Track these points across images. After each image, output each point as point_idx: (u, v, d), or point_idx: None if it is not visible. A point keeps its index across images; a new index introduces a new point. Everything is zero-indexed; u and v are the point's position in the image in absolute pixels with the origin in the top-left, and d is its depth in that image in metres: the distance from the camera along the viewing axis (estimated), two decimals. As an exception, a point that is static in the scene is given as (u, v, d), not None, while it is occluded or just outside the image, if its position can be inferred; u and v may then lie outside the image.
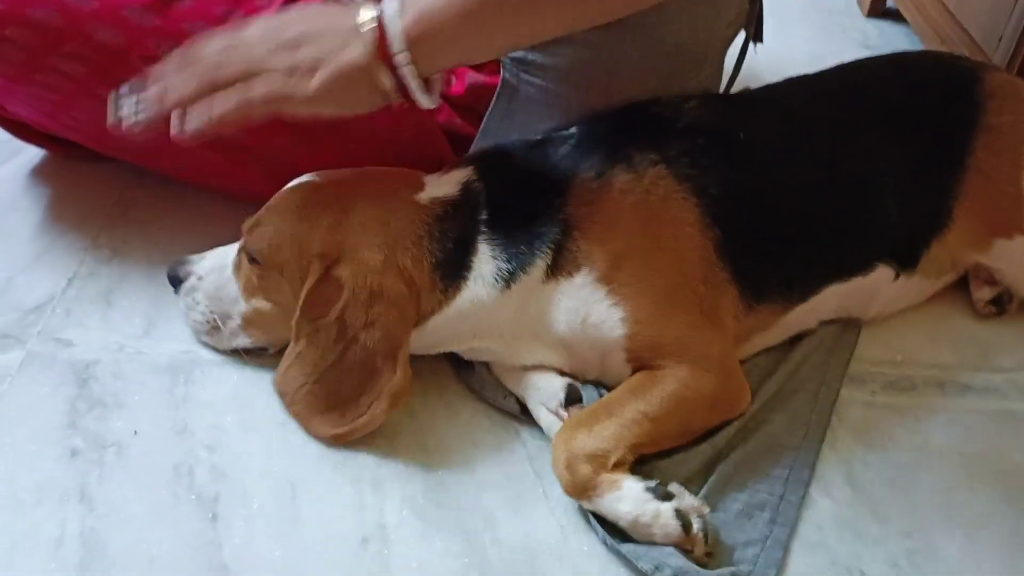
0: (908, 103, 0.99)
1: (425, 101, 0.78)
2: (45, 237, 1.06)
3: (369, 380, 0.83)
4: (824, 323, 0.98)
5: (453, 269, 0.85)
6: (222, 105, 0.77)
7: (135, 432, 0.85)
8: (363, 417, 0.84)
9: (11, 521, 0.78)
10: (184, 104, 0.79)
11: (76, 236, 1.07)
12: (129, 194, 1.13)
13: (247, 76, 0.77)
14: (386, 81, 0.76)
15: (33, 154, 1.17)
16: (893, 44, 1.67)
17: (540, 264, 0.85)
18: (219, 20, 0.94)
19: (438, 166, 1.00)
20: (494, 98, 0.99)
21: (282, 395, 0.88)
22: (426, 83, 0.78)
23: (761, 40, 1.09)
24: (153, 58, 0.93)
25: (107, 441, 0.84)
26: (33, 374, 0.90)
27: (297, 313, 0.84)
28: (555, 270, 0.85)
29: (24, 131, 1.10)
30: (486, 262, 0.85)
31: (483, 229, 0.86)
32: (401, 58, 0.75)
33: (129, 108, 0.80)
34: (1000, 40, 1.26)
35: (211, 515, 0.79)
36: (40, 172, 1.16)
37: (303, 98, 0.77)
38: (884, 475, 0.87)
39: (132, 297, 1.00)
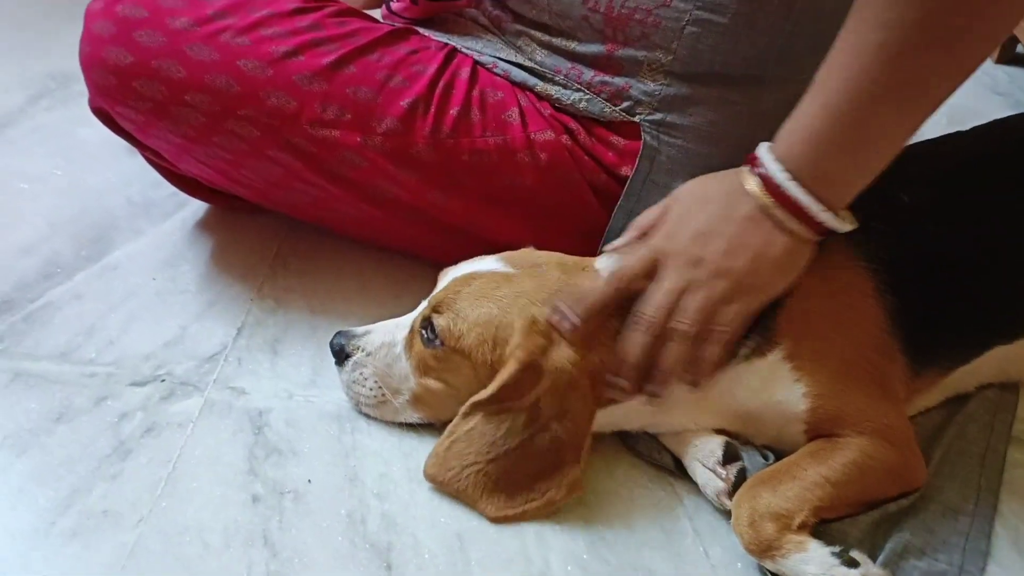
0: None
1: (847, 225, 0.81)
2: (213, 287, 1.12)
3: (551, 468, 0.85)
4: (982, 386, 0.97)
5: None
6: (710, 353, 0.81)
7: (309, 480, 0.90)
8: (536, 503, 0.85)
9: (201, 563, 0.82)
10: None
11: (242, 287, 1.12)
12: (288, 245, 1.19)
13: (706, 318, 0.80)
14: (809, 237, 0.80)
15: (197, 207, 1.24)
16: (1025, 87, 1.63)
17: (742, 354, 0.85)
18: (380, 85, 1.00)
19: (582, 213, 1.04)
20: (637, 160, 1.01)
21: (440, 471, 0.86)
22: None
23: None
24: (319, 120, 0.99)
25: (285, 488, 0.89)
26: (213, 421, 0.95)
27: (487, 395, 0.84)
28: (751, 353, 0.85)
29: (191, 186, 1.17)
30: None
31: None
32: (826, 217, 0.78)
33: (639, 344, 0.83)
34: None
35: (386, 564, 0.83)
36: (204, 224, 1.22)
37: (757, 302, 0.82)
38: (1053, 541, 0.85)
39: (297, 346, 1.05)
